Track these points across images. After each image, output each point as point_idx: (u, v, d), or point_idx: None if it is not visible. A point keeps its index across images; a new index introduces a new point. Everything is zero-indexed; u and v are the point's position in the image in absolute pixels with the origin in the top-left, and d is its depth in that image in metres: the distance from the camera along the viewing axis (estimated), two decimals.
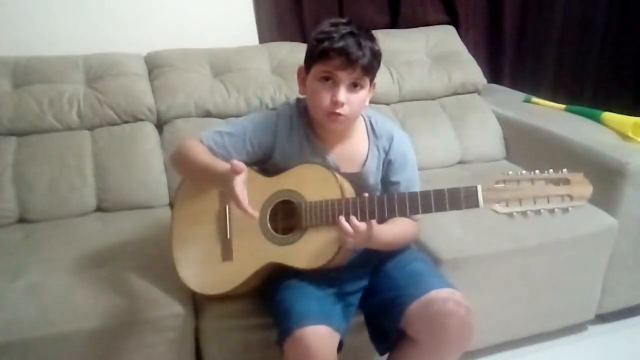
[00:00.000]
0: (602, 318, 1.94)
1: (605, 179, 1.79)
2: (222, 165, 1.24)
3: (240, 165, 1.14)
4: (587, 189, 1.08)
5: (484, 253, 1.60)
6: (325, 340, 1.19)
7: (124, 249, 1.55)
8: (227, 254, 1.34)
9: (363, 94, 1.29)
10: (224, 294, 1.35)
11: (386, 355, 1.39)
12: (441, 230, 1.62)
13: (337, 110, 1.26)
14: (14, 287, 1.37)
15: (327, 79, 1.26)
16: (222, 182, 1.19)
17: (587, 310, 1.86)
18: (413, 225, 1.37)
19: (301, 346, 1.17)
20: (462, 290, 1.28)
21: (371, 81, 1.31)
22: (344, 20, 1.29)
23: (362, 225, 1.20)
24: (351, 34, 1.24)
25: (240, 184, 1.15)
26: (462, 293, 1.27)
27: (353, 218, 1.20)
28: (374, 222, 1.21)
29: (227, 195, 1.20)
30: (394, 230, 1.32)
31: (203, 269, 1.36)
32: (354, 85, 1.27)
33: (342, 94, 1.25)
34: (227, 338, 1.42)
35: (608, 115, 2.04)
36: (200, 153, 1.32)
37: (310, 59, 1.29)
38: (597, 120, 2.06)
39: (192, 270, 1.37)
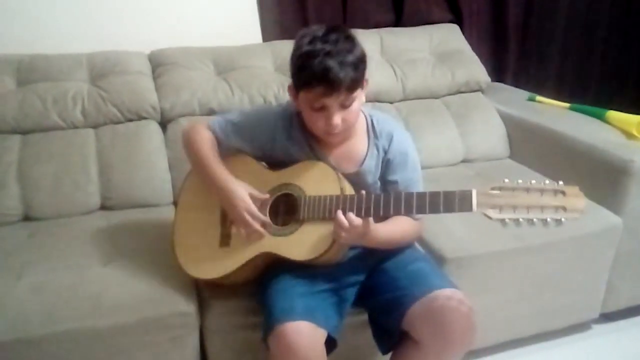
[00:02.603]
0: (607, 317, 1.94)
1: (610, 177, 1.79)
2: (222, 172, 1.34)
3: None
4: (582, 203, 1.08)
5: (488, 252, 1.60)
6: (307, 336, 1.20)
7: (128, 247, 1.56)
8: (225, 240, 1.37)
9: (356, 105, 1.28)
10: (216, 280, 1.36)
11: (389, 355, 1.39)
12: (445, 230, 1.62)
13: (334, 131, 1.27)
14: (19, 285, 1.37)
15: (317, 107, 1.26)
16: (224, 197, 1.34)
17: (591, 309, 1.86)
18: (413, 225, 1.37)
19: (283, 342, 1.18)
20: (466, 289, 1.28)
21: (362, 86, 1.28)
22: (321, 33, 1.24)
23: (357, 220, 1.21)
24: (329, 54, 1.20)
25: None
26: (465, 292, 1.27)
27: (350, 213, 1.22)
28: (370, 219, 1.22)
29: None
30: (391, 229, 1.32)
31: (200, 254, 1.38)
32: (345, 105, 1.26)
33: (335, 118, 1.25)
34: (231, 336, 1.43)
35: (612, 114, 2.04)
36: (205, 146, 1.38)
37: (296, 85, 1.28)
38: (602, 118, 2.06)
39: (189, 253, 1.40)
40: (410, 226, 1.36)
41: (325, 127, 1.27)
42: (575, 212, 1.07)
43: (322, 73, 1.19)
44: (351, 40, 1.26)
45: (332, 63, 1.19)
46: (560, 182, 1.10)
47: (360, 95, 1.29)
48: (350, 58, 1.22)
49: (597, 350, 1.84)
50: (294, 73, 1.27)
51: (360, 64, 1.25)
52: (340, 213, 1.22)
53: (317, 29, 1.25)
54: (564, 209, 1.07)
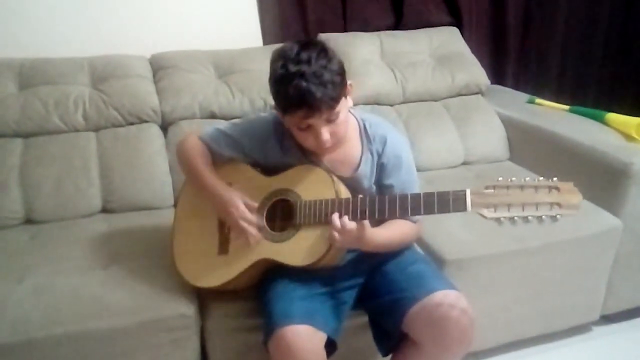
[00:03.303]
0: (607, 319, 1.94)
1: (609, 179, 1.79)
2: (214, 181, 1.35)
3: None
4: (577, 198, 1.07)
5: (488, 254, 1.60)
6: (307, 340, 1.20)
7: (129, 249, 1.56)
8: (223, 248, 1.37)
9: (343, 115, 1.26)
10: (216, 288, 1.36)
11: (389, 356, 1.39)
12: (445, 231, 1.63)
13: (325, 146, 1.27)
14: (20, 288, 1.38)
15: (303, 128, 1.25)
16: (218, 205, 1.34)
17: (591, 311, 1.86)
18: (410, 227, 1.36)
19: (283, 345, 1.19)
20: (465, 291, 1.29)
21: (345, 95, 1.26)
22: (293, 53, 1.20)
23: (351, 225, 1.21)
24: (303, 76, 1.16)
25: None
26: (465, 294, 1.27)
27: (344, 217, 1.21)
28: (366, 223, 1.22)
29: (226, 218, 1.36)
30: (388, 233, 1.32)
31: (199, 261, 1.39)
32: (331, 119, 1.24)
33: (324, 134, 1.23)
34: (232, 338, 1.43)
35: (612, 116, 2.04)
36: (198, 157, 1.39)
37: (277, 108, 1.28)
38: (601, 121, 2.06)
39: (189, 261, 1.40)
40: (408, 229, 1.36)
41: (315, 144, 1.27)
42: (571, 208, 1.07)
43: (299, 98, 1.17)
44: (325, 54, 1.21)
45: (307, 85, 1.16)
46: (555, 178, 1.09)
47: (345, 105, 1.27)
48: (327, 76, 1.18)
49: (597, 352, 1.84)
50: (273, 98, 1.26)
51: (337, 77, 1.21)
52: (334, 217, 1.22)
53: (289, 48, 1.22)
54: (559, 205, 1.07)
